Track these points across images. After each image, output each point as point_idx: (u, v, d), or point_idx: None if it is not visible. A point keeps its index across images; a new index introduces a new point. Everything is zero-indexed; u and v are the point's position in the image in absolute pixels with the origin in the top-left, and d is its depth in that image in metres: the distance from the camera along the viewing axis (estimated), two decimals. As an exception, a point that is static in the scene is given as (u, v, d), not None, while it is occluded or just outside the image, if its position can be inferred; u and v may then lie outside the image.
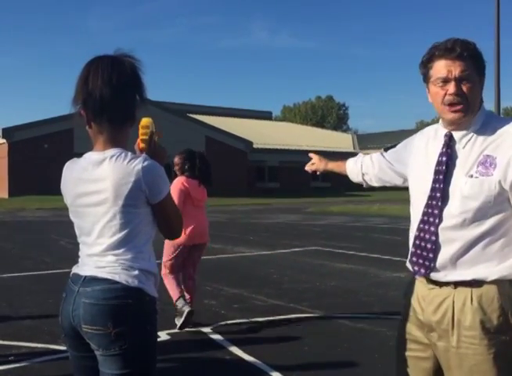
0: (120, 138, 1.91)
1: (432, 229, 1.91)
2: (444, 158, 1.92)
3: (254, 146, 38.78)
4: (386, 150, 2.56)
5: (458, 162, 1.90)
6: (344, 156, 2.86)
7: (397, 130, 43.47)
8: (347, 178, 2.59)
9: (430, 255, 1.90)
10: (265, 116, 54.81)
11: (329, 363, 4.15)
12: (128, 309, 1.82)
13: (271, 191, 39.02)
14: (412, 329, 2.00)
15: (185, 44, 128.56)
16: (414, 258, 1.95)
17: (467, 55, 1.86)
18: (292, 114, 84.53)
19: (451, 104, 1.87)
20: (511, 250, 1.81)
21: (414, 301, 1.99)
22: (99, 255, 1.88)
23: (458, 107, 1.87)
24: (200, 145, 37.03)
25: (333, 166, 2.64)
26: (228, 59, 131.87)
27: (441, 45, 1.88)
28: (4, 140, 29.97)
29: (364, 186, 2.53)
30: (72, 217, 1.96)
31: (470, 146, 1.89)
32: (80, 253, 1.97)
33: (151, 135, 2.00)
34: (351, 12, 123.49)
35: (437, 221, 1.90)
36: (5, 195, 29.49)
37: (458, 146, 1.92)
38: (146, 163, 1.83)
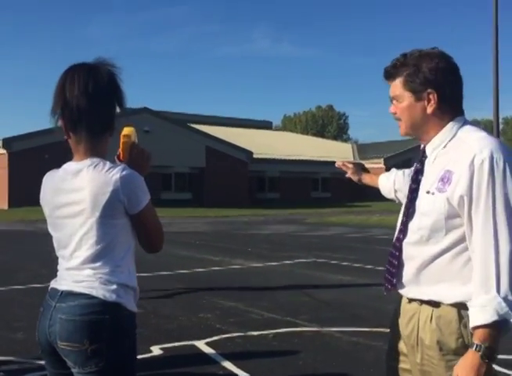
0: (99, 147, 1.88)
1: (398, 244, 1.90)
2: (414, 174, 1.92)
3: (255, 156, 38.78)
4: None
5: (425, 177, 1.87)
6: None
7: (398, 140, 43.46)
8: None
9: (394, 271, 1.89)
10: (265, 125, 54.93)
11: (323, 379, 4.10)
12: (105, 324, 1.77)
13: (271, 201, 39.00)
14: (397, 340, 1.99)
15: (186, 52, 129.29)
16: (385, 274, 1.95)
17: (394, 73, 1.86)
18: (292, 124, 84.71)
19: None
20: (471, 270, 1.73)
21: (397, 313, 2.00)
22: (76, 269, 1.83)
23: (399, 124, 1.91)
24: (200, 155, 37.09)
25: (366, 181, 2.66)
26: (229, 68, 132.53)
27: None
28: (4, 150, 29.97)
29: (397, 202, 2.45)
30: (50, 229, 1.92)
31: (437, 161, 1.84)
32: (58, 267, 1.93)
33: (132, 144, 1.97)
34: (353, 21, 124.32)
35: (401, 236, 1.89)
36: (5, 206, 29.46)
37: (428, 161, 1.89)
38: (124, 172, 1.79)
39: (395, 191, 2.39)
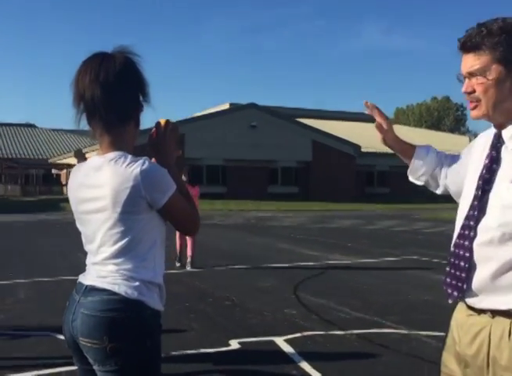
0: (121, 140, 1.79)
1: (467, 243, 1.60)
2: (488, 161, 1.61)
3: (363, 149, 37.86)
4: None
5: (503, 166, 1.57)
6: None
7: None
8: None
9: (463, 275, 1.60)
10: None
11: (403, 387, 3.81)
12: (126, 322, 1.70)
13: (380, 196, 37.87)
14: (449, 361, 1.70)
15: (296, 49, 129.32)
16: (448, 279, 1.65)
17: (478, 42, 1.54)
18: (405, 117, 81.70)
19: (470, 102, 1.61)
20: None
21: (454, 328, 1.70)
22: (101, 264, 1.78)
23: (471, 106, 1.61)
24: (307, 149, 36.91)
25: (392, 144, 2.02)
26: (339, 62, 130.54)
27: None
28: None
29: (421, 185, 2.09)
30: (77, 224, 1.88)
31: None
32: (86, 261, 1.89)
33: (166, 121, 1.91)
34: (465, 10, 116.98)
35: (472, 234, 1.59)
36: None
37: (506, 147, 1.59)
38: (144, 166, 1.69)
39: (431, 176, 1.95)
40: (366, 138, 40.05)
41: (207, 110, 41.93)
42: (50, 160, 47.23)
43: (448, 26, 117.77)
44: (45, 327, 5.02)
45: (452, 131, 70.62)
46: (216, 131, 34.45)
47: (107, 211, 1.73)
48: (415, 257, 10.25)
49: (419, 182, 2.01)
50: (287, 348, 4.58)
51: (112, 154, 1.76)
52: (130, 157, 1.74)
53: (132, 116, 1.81)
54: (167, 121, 1.92)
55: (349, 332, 5.06)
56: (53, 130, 57.35)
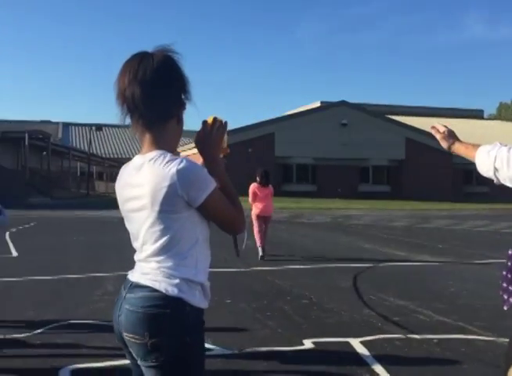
0: (162, 139, 1.79)
1: None
2: None
3: (460, 146, 36.15)
4: None
5: None
6: None
7: None
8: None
9: None
10: (476, 115, 50.84)
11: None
12: (166, 319, 1.70)
13: (479, 196, 35.94)
14: None
15: (395, 43, 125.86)
16: (504, 284, 1.50)
17: None
18: (509, 112, 76.98)
19: None
20: None
21: None
22: (144, 261, 1.81)
23: None
24: (400, 147, 35.80)
25: (459, 150, 2.27)
26: (436, 56, 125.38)
27: None
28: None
29: (495, 182, 2.08)
30: (125, 222, 1.92)
31: None
32: (134, 258, 1.92)
33: (214, 118, 1.88)
34: None
35: None
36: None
37: None
38: (181, 165, 1.69)
39: (495, 169, 1.93)
40: (464, 135, 38.22)
41: (298, 108, 41.94)
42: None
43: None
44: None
45: (561, 126, 65.45)
46: (306, 130, 34.36)
47: (147, 210, 1.74)
48: None
49: (490, 177, 2.02)
50: (362, 350, 4.44)
51: (152, 153, 1.76)
52: (169, 155, 1.73)
53: (173, 114, 1.80)
54: (214, 119, 1.89)
55: (430, 337, 4.81)
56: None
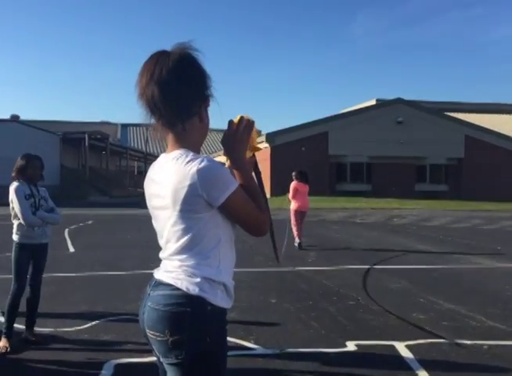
0: (185, 137, 1.78)
1: None
2: None
3: (524, 144, 34.65)
4: None
5: None
6: None
7: None
8: None
9: None
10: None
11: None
12: (186, 317, 1.70)
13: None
14: None
15: (455, 38, 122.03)
16: None
17: None
18: None
19: None
20: None
21: None
22: (168, 259, 1.82)
23: None
24: (459, 145, 34.68)
25: None
26: (498, 50, 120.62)
27: None
28: (267, 144, 32.76)
29: None
30: (152, 219, 1.93)
31: None
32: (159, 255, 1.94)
33: (240, 117, 1.86)
34: None
35: None
36: (268, 195, 32.15)
37: None
38: (202, 164, 1.67)
39: None
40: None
41: (353, 106, 41.37)
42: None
43: None
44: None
45: None
46: (361, 128, 33.86)
47: (169, 209, 1.74)
48: None
49: None
50: (407, 355, 4.32)
51: (175, 152, 1.77)
52: (191, 154, 1.72)
53: (193, 112, 1.78)
54: (241, 118, 1.87)
55: (480, 343, 4.62)
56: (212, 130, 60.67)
